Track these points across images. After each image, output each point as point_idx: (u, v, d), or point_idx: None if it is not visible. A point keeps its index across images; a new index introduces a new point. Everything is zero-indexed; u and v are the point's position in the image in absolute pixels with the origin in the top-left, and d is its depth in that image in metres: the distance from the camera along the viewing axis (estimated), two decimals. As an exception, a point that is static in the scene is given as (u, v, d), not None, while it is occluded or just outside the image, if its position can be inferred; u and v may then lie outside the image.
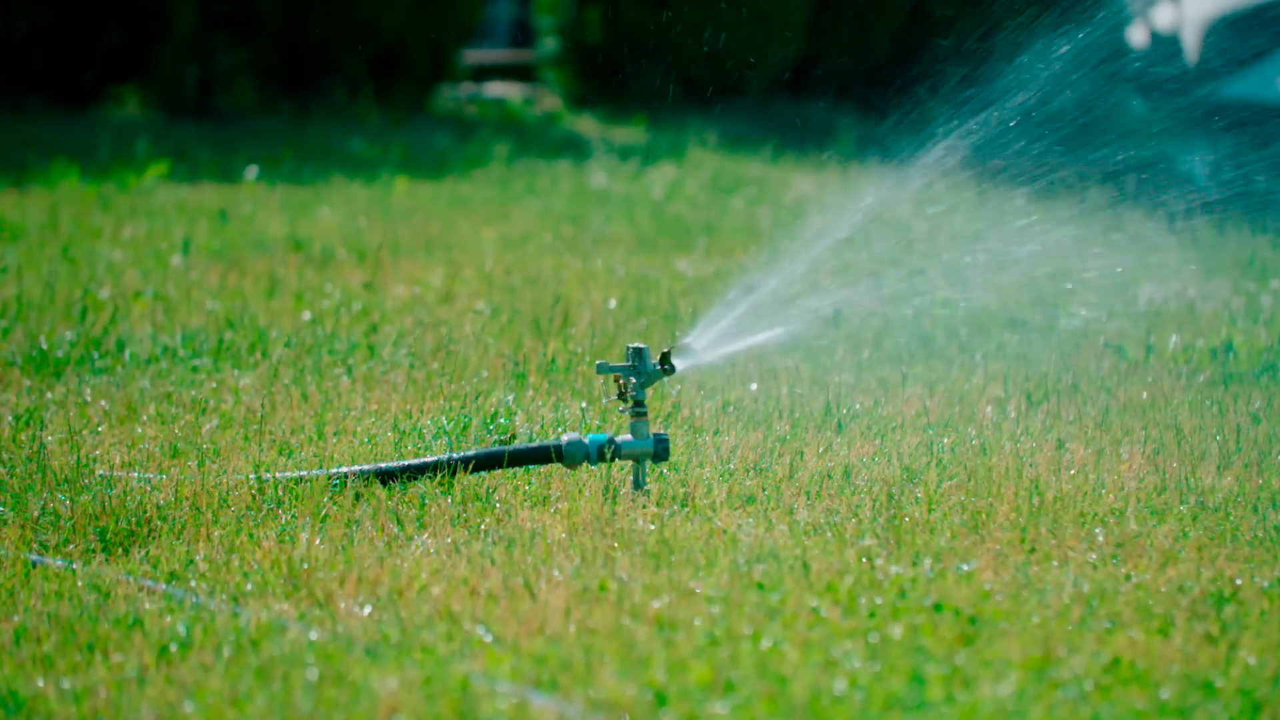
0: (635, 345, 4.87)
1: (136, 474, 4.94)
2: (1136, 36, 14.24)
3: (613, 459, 4.84)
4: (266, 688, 3.48)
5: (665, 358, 4.86)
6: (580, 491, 4.83)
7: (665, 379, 4.90)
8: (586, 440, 4.85)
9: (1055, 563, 4.26)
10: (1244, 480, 5.05)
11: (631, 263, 9.37)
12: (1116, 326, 7.43)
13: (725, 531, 4.41)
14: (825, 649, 3.61)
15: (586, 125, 18.79)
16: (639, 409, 4.84)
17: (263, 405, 5.76)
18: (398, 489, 4.83)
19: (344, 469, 4.86)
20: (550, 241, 10.28)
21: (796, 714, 3.36)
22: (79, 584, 4.15)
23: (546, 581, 4.04)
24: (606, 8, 19.54)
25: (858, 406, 5.87)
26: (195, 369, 6.44)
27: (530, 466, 4.93)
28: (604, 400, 5.83)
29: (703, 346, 5.01)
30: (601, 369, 4.87)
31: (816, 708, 3.37)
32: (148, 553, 4.42)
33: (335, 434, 5.44)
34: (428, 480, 4.85)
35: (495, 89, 21.57)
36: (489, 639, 3.70)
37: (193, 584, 4.15)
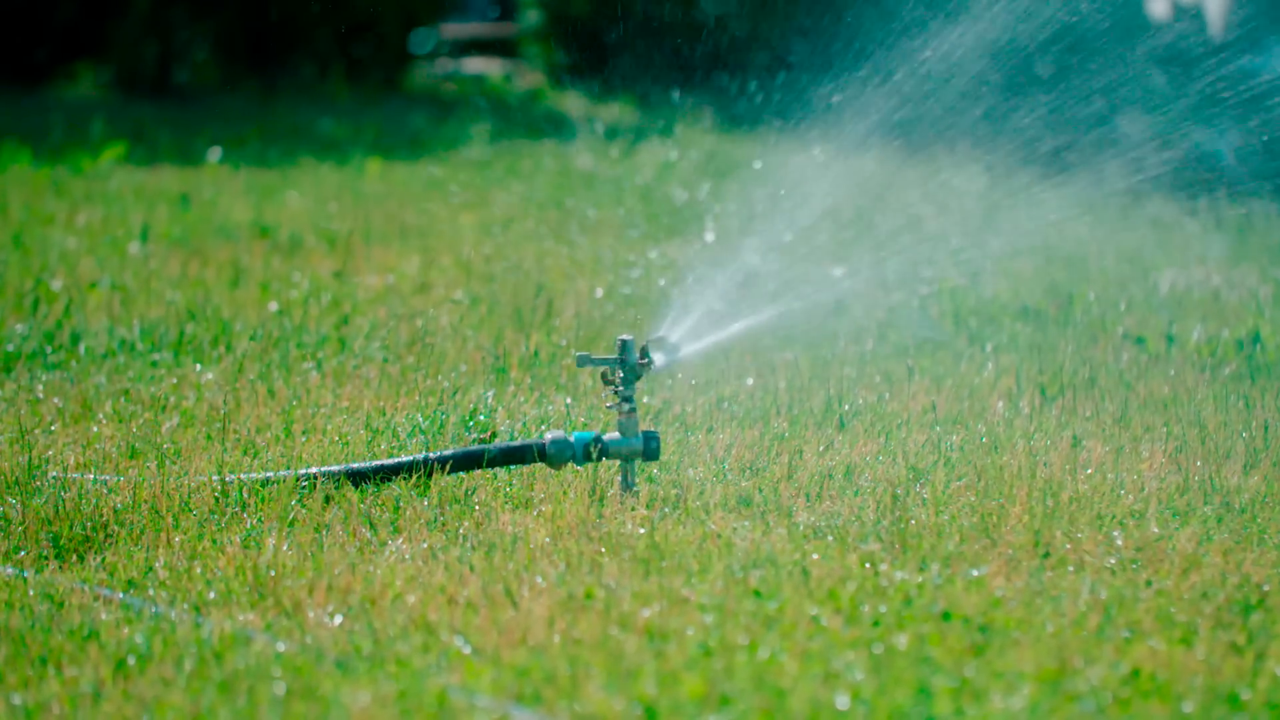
0: (622, 337, 4.87)
1: (92, 476, 4.93)
2: (1158, 7, 14.26)
3: (599, 458, 4.84)
4: (231, 703, 3.48)
5: (644, 351, 4.86)
6: (565, 493, 4.83)
7: (655, 372, 4.90)
8: (571, 439, 4.86)
9: (1071, 568, 4.27)
10: (1271, 480, 5.06)
11: (620, 249, 9.37)
12: (1136, 316, 7.44)
13: (719, 535, 4.42)
14: (826, 660, 3.62)
15: (571, 103, 18.79)
16: (627, 405, 4.85)
17: (226, 402, 5.76)
18: (370, 491, 4.83)
19: (313, 470, 4.86)
20: (533, 227, 10.29)
21: (795, 729, 3.37)
22: (31, 593, 4.15)
23: (529, 589, 4.05)
24: (592, -22, 19.54)
25: (860, 402, 5.87)
26: (155, 364, 6.44)
27: (512, 467, 4.94)
28: (604, 395, 5.84)
29: (682, 337, 5.01)
30: (582, 362, 4.87)
31: (816, 722, 3.38)
32: (104, 560, 4.42)
33: (304, 432, 5.44)
34: (402, 481, 4.85)
35: (474, 65, 21.58)
36: (468, 650, 3.70)
37: (152, 593, 4.15)
